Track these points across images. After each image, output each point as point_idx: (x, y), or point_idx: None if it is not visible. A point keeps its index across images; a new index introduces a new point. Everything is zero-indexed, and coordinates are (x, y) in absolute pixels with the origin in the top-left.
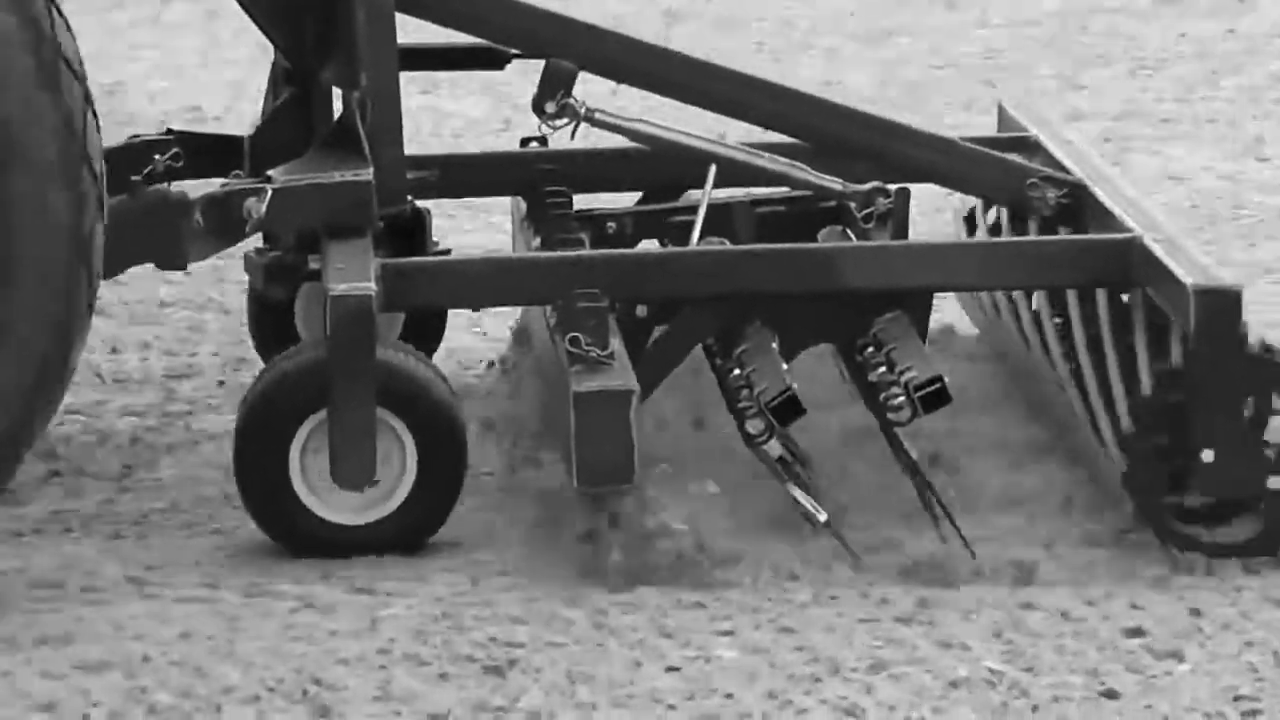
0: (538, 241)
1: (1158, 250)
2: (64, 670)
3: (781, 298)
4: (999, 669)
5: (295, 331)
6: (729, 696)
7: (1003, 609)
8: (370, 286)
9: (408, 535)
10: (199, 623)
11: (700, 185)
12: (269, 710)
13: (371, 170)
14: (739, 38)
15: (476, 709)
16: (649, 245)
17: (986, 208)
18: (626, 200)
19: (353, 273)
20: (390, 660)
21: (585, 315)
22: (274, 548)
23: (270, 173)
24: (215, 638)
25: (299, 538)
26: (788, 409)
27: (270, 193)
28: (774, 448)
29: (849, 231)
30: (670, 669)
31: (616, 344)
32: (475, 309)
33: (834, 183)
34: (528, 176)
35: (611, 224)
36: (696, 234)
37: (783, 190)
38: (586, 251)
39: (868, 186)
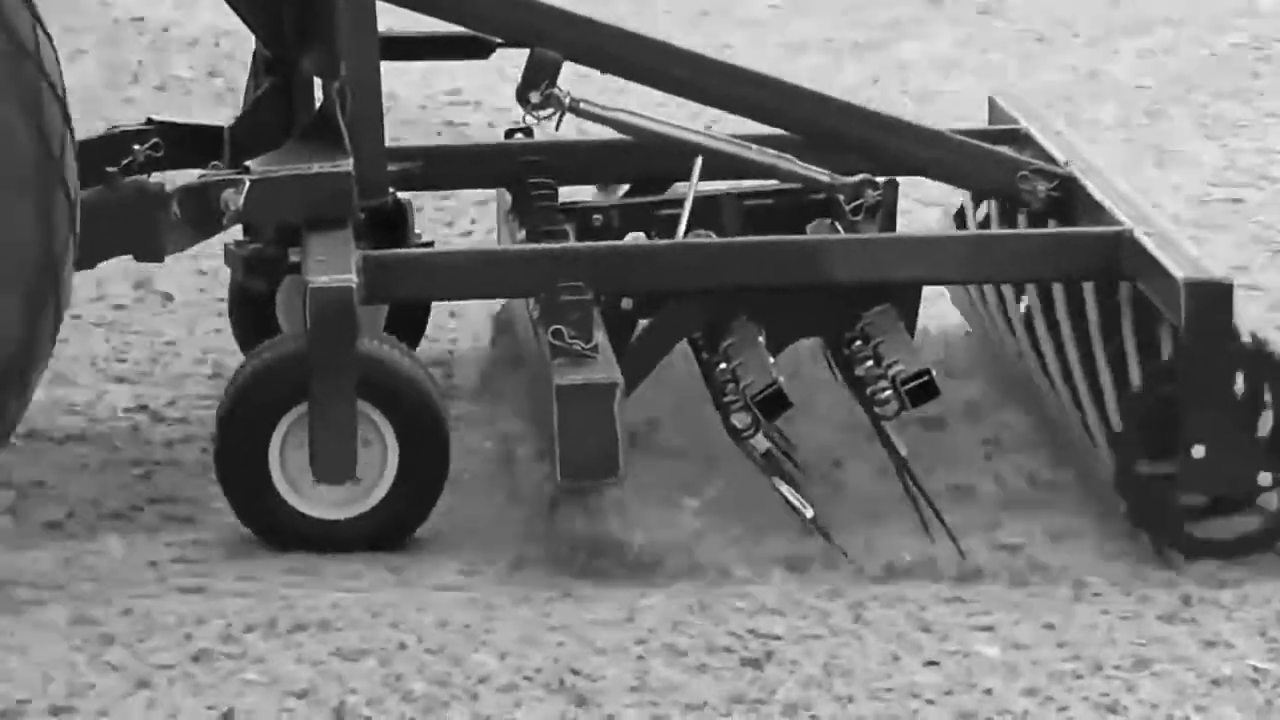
0: (522, 234)
1: (1148, 243)
2: (321, 656)
3: (768, 291)
4: (1264, 667)
5: (277, 324)
6: (988, 692)
7: (1267, 606)
8: (351, 278)
9: (389, 531)
10: (456, 611)
11: (687, 178)
12: (525, 699)
13: (351, 161)
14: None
15: (733, 701)
16: (635, 238)
17: (976, 202)
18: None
19: (333, 264)
20: (648, 651)
21: (569, 308)
22: (529, 535)
23: (248, 164)
24: (472, 626)
25: (279, 532)
26: (774, 403)
27: (248, 184)
28: (760, 442)
29: (838, 224)
30: (929, 663)
31: (601, 337)
32: (458, 301)
33: (822, 175)
34: (513, 168)
35: (597, 216)
36: (683, 227)
37: (770, 183)
38: (570, 244)
39: (856, 179)
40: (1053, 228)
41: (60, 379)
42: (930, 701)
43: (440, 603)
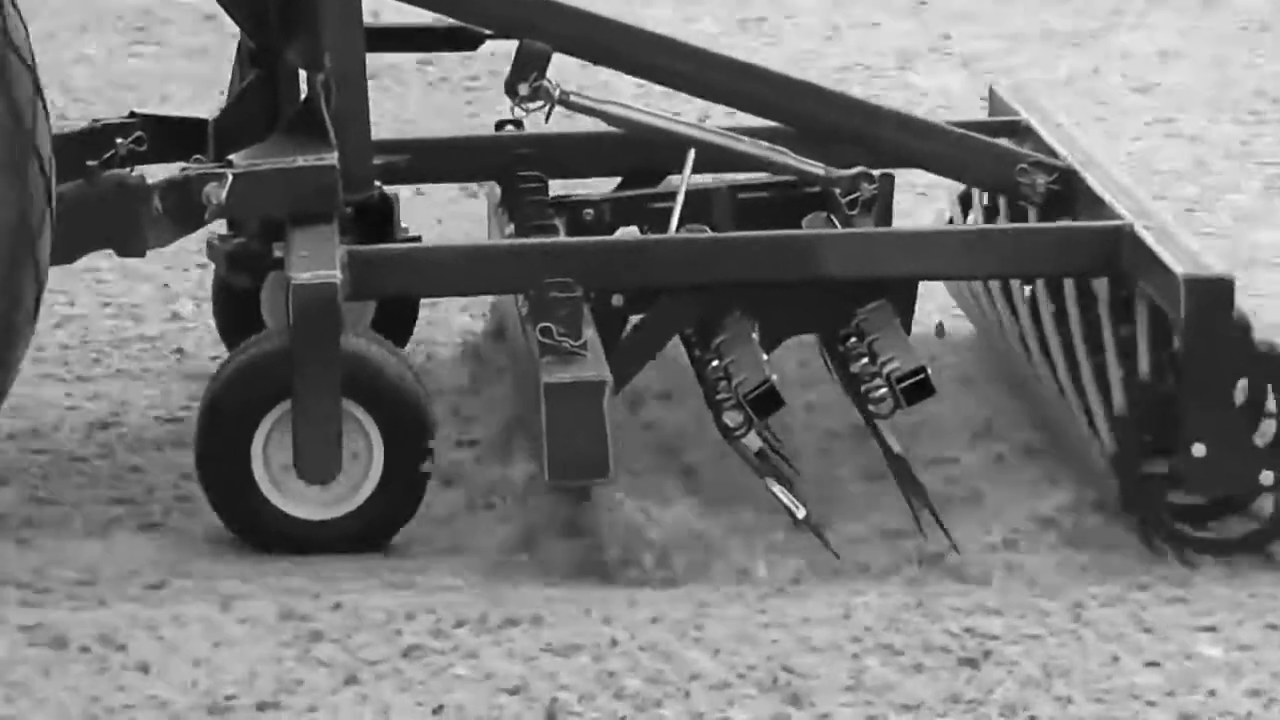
0: (511, 228)
1: (1148, 238)
2: (532, 652)
3: (761, 286)
4: None
5: (261, 320)
6: (1211, 694)
7: None
8: (335, 274)
9: (373, 531)
10: (668, 607)
11: (680, 171)
12: (738, 697)
13: (336, 155)
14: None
15: (950, 701)
16: (627, 232)
17: (965, 206)
18: (605, 186)
19: (317, 260)
20: (863, 649)
21: (558, 305)
22: (738, 528)
23: (231, 157)
24: (684, 622)
25: (262, 532)
26: (767, 401)
27: (231, 178)
28: (753, 441)
29: (833, 218)
30: (1149, 664)
31: (590, 334)
32: (445, 298)
33: (817, 168)
34: (502, 161)
35: (589, 211)
36: (675, 221)
37: (764, 176)
38: (559, 239)
39: (852, 171)
40: (1050, 222)
41: None
42: (1151, 703)
43: (652, 598)
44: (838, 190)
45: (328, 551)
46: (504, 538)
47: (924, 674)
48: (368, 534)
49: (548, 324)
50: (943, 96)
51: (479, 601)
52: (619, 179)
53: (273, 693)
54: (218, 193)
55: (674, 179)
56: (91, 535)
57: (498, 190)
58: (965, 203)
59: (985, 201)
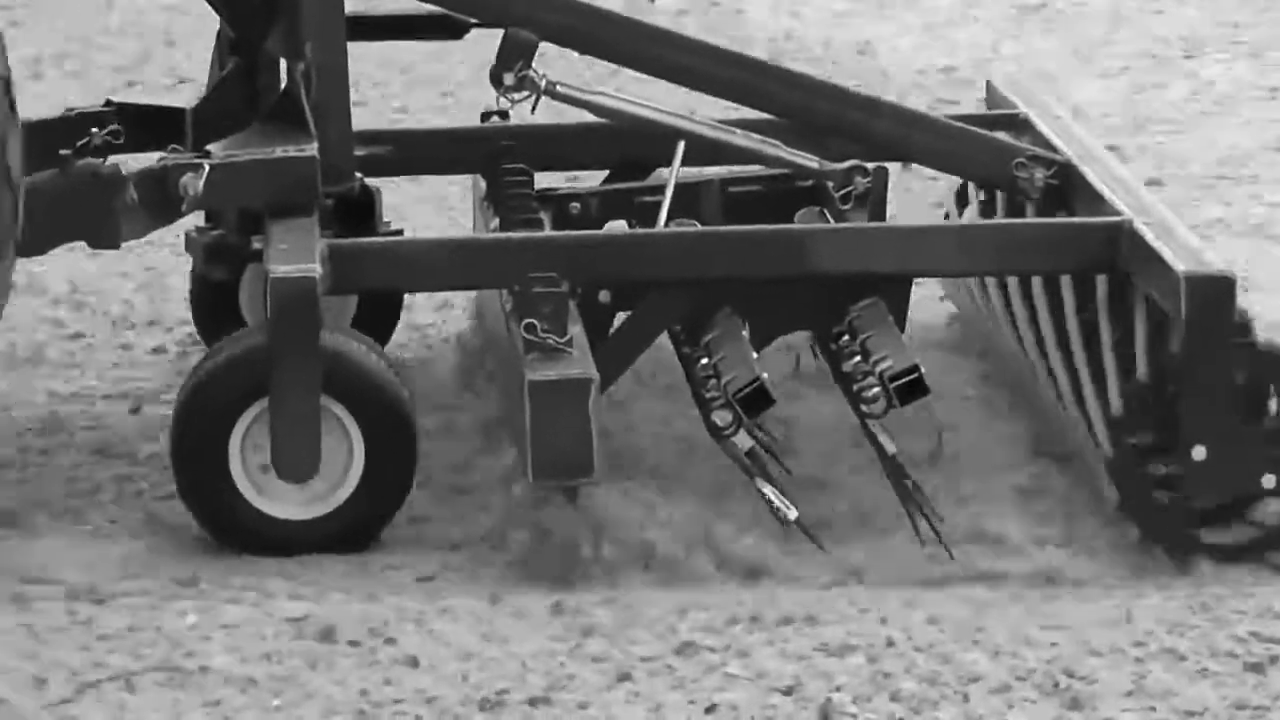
0: (496, 222)
1: (1147, 234)
2: (806, 651)
3: (752, 283)
4: None
5: (240, 315)
6: None
7: None
8: (314, 268)
9: (355, 532)
10: (946, 607)
11: (669, 163)
12: (1018, 700)
13: (316, 146)
14: None
15: (1235, 707)
16: (615, 226)
17: (961, 199)
18: (593, 179)
19: (296, 254)
20: (1146, 654)
21: (542, 300)
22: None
23: (209, 148)
24: (963, 623)
25: (239, 533)
26: (756, 399)
27: (208, 169)
28: (743, 440)
29: (826, 212)
30: None
31: (576, 330)
32: (427, 292)
33: (810, 161)
34: (487, 153)
35: (575, 204)
36: (664, 214)
37: (756, 169)
38: (544, 233)
39: (845, 165)
40: (1046, 218)
41: None
42: None
43: (929, 599)
44: (831, 184)
45: (308, 552)
46: (475, 533)
47: (1208, 679)
48: (349, 534)
49: (532, 320)
50: (1232, 85)
51: (753, 599)
52: (607, 171)
53: (544, 688)
54: (194, 183)
55: (663, 172)
56: None
57: (482, 183)
58: (962, 198)
59: (982, 196)
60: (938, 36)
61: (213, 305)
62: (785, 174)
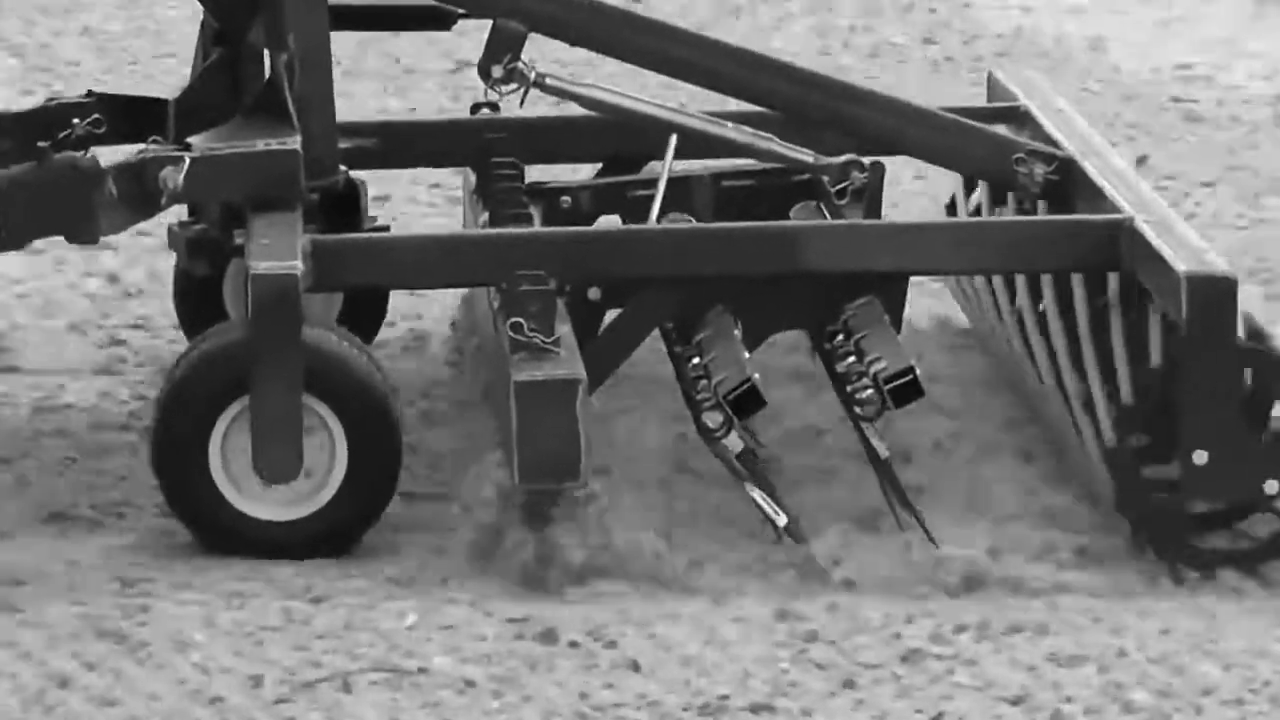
0: (486, 217)
1: (1148, 232)
2: (1035, 661)
3: (745, 280)
4: None
5: (224, 311)
6: None
7: None
8: (296, 265)
9: (339, 534)
10: (1180, 618)
11: (662, 157)
12: (1251, 714)
13: (299, 139)
14: None
15: None
16: (608, 221)
17: (969, 186)
18: (585, 173)
19: (277, 250)
20: None
21: (529, 298)
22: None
23: (190, 140)
24: (1197, 634)
25: (221, 534)
26: (747, 401)
27: (188, 162)
28: (734, 442)
29: (823, 208)
30: None
31: (564, 330)
32: (411, 290)
33: (805, 155)
34: (477, 146)
35: (566, 198)
36: (656, 209)
37: (750, 163)
38: (532, 229)
39: (841, 159)
40: (1046, 215)
41: None
42: None
43: (1162, 609)
44: (826, 179)
45: (291, 556)
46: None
47: None
48: (332, 536)
49: (519, 319)
50: None
51: (981, 607)
52: (599, 165)
53: (767, 695)
54: (175, 177)
55: (656, 165)
56: None
57: (473, 177)
58: (970, 192)
59: (989, 191)
60: (1173, 32)
61: (197, 300)
62: (780, 168)
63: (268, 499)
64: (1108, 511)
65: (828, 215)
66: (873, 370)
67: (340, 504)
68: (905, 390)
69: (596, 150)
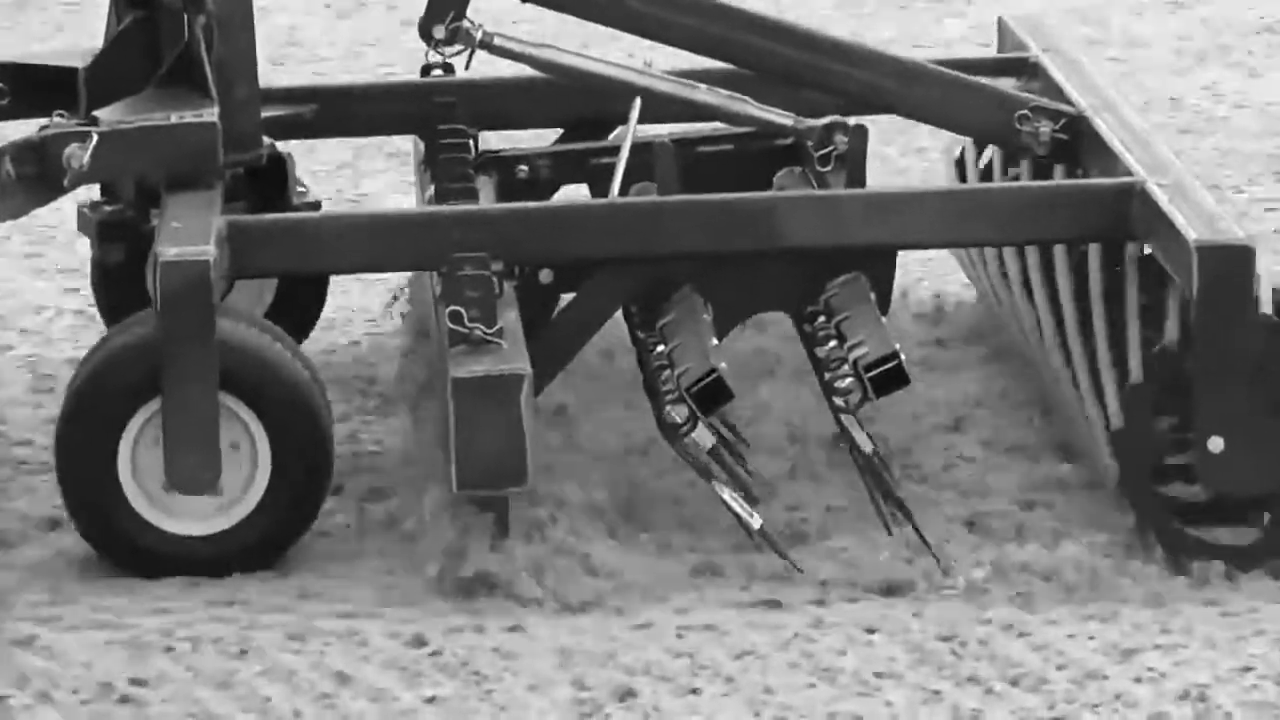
0: (432, 191)
1: (1160, 198)
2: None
3: (715, 258)
4: None
5: (147, 300)
6: None
7: None
8: (208, 250)
9: (262, 548)
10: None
11: (626, 121)
12: None
13: (217, 110)
14: None
15: None
16: (570, 193)
17: (980, 142)
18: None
19: (189, 233)
20: None
21: (469, 284)
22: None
23: (96, 114)
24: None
25: (131, 552)
26: (712, 394)
27: (95, 138)
28: (704, 437)
29: (809, 174)
30: None
31: (510, 318)
32: (343, 275)
33: (784, 117)
34: (424, 112)
35: (523, 167)
36: (618, 180)
37: (724, 128)
38: (471, 206)
39: (824, 121)
40: (1048, 180)
41: None
42: None
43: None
44: (809, 143)
45: (212, 572)
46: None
47: None
48: (255, 551)
49: (458, 308)
50: None
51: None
52: (560, 130)
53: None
54: (80, 155)
55: (624, 131)
56: None
57: (421, 146)
58: (982, 148)
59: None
60: None
61: (117, 289)
62: (759, 132)
63: (184, 511)
64: (1112, 494)
65: (815, 182)
66: (853, 356)
67: (264, 515)
68: (888, 378)
69: (557, 115)
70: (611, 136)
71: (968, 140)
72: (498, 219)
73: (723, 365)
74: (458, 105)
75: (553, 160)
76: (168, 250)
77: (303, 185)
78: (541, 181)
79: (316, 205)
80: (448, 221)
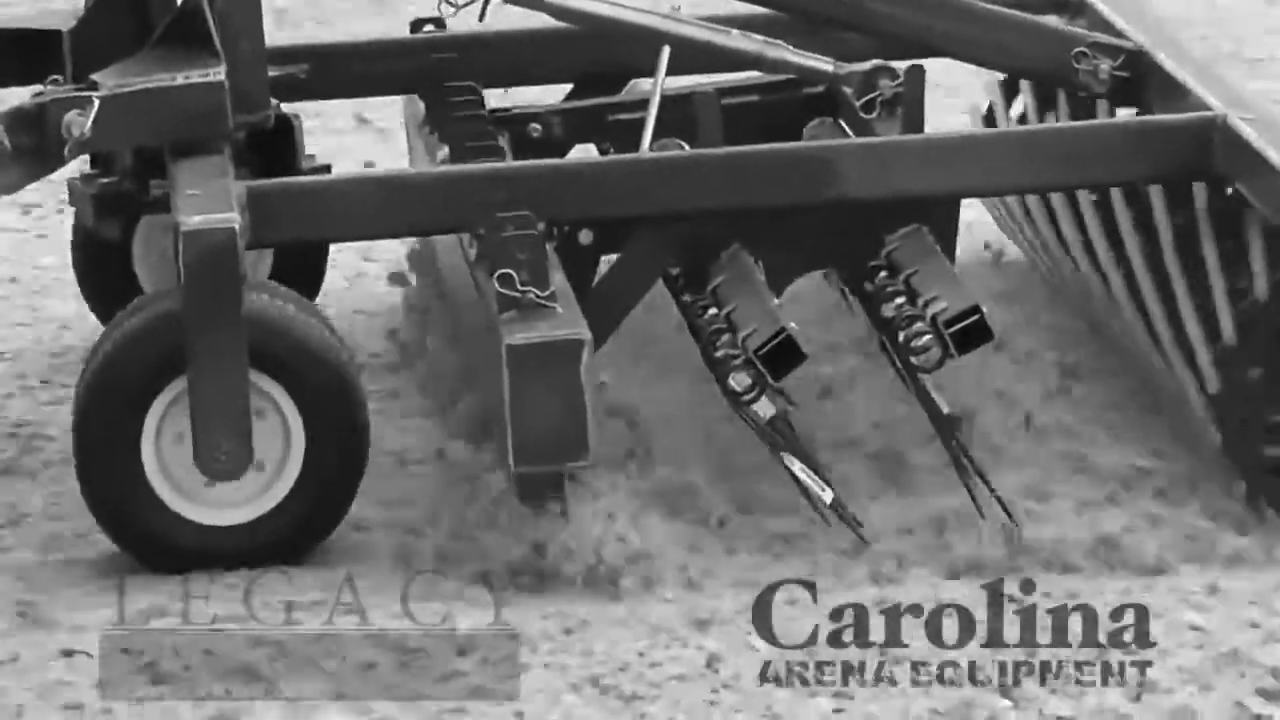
0: (444, 152)
1: (1247, 132)
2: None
3: (765, 214)
4: None
5: (134, 278)
6: None
7: None
8: (233, 217)
9: (296, 537)
10: None
11: (648, 73)
12: None
13: (224, 69)
14: None
15: None
16: (585, 152)
17: (1009, 92)
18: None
19: (210, 200)
20: None
21: (517, 245)
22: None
23: (95, 77)
24: None
25: (157, 544)
26: (784, 356)
27: (97, 103)
28: (765, 406)
29: (843, 124)
30: None
31: (559, 280)
32: (371, 241)
33: (824, 64)
34: (424, 69)
35: (536, 125)
36: (648, 136)
37: (756, 76)
38: (510, 163)
39: (867, 66)
40: (1124, 117)
41: None
42: None
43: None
44: (849, 90)
45: (245, 564)
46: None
47: None
48: (289, 542)
49: (508, 270)
50: None
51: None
52: (569, 86)
53: None
54: (81, 123)
55: (641, 84)
56: None
57: (420, 105)
58: (1010, 99)
59: (1036, 96)
60: None
61: (102, 267)
62: (787, 81)
63: (213, 500)
64: (1212, 460)
65: (850, 132)
66: (930, 312)
67: (297, 501)
68: (972, 333)
69: (564, 69)
70: (624, 91)
71: (995, 93)
72: (542, 176)
73: (792, 325)
74: (458, 61)
75: (566, 117)
76: (190, 219)
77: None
78: (554, 140)
79: (327, 169)
80: (487, 180)
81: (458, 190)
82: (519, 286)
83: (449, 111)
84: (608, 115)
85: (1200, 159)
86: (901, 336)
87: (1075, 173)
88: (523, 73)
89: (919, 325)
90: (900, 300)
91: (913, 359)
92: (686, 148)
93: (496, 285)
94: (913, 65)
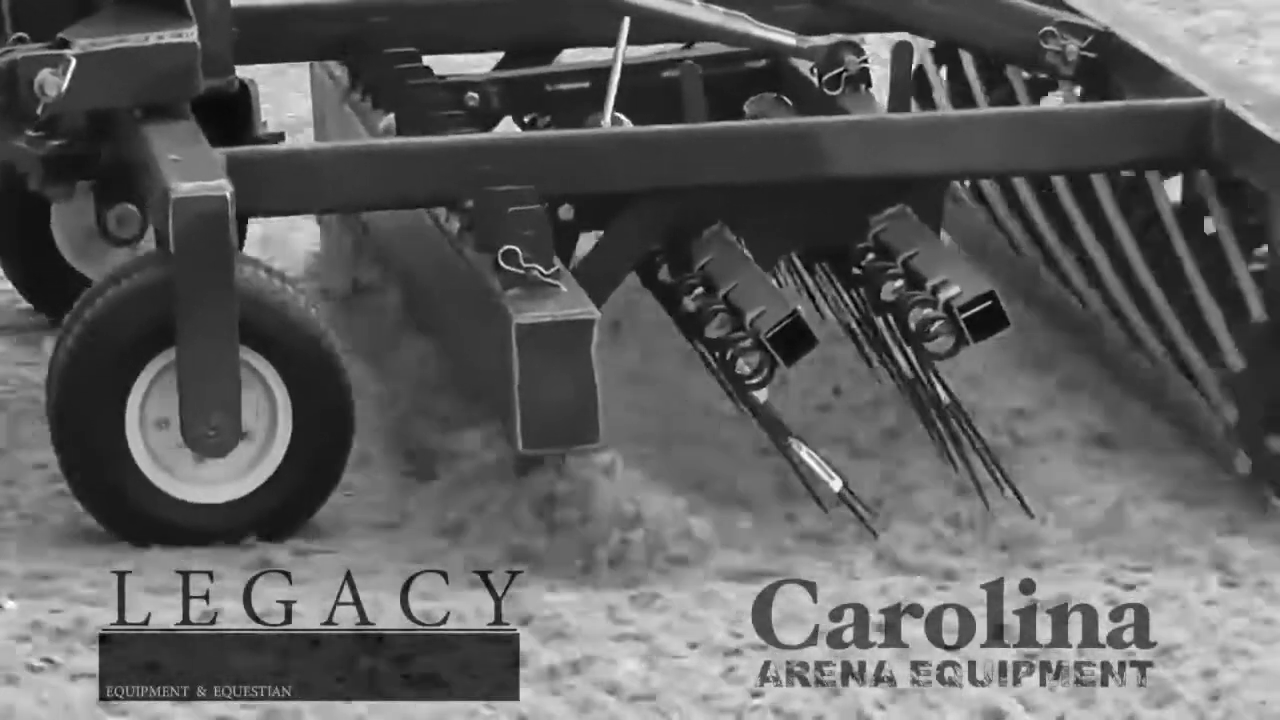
0: (389, 120)
1: (1249, 117)
2: None
3: (753, 191)
4: None
5: (52, 242)
6: None
7: None
8: (224, 184)
9: (285, 514)
10: None
11: (588, 43)
12: None
13: (195, 29)
14: None
15: None
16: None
17: (940, 58)
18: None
19: (195, 167)
20: None
21: (519, 221)
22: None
23: (63, 35)
24: None
25: (141, 523)
26: (795, 339)
27: (74, 62)
28: (761, 394)
29: (785, 99)
30: None
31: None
32: (347, 214)
33: (787, 37)
34: (351, 33)
35: (473, 95)
36: (609, 109)
37: (698, 48)
38: (508, 134)
39: (830, 40)
40: (1119, 101)
41: None
42: None
43: None
44: (813, 65)
45: (230, 541)
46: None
47: None
48: (277, 518)
49: (512, 247)
50: None
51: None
52: (499, 55)
53: None
54: (56, 82)
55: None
56: None
57: (341, 72)
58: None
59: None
60: None
61: (18, 234)
62: (728, 54)
63: (199, 476)
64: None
65: (792, 108)
66: (942, 297)
67: (286, 478)
68: (986, 319)
69: (497, 37)
70: (556, 61)
71: (925, 56)
72: (537, 147)
73: (799, 308)
74: (388, 26)
75: (505, 87)
76: (180, 185)
77: None
78: (492, 110)
79: (280, 137)
80: (475, 151)
81: (449, 161)
82: (524, 263)
83: (384, 78)
84: (546, 85)
85: (1197, 144)
86: (912, 323)
87: (1066, 156)
88: (452, 39)
89: (930, 311)
90: (900, 283)
91: (925, 345)
92: (627, 122)
93: (501, 262)
94: (901, 41)
